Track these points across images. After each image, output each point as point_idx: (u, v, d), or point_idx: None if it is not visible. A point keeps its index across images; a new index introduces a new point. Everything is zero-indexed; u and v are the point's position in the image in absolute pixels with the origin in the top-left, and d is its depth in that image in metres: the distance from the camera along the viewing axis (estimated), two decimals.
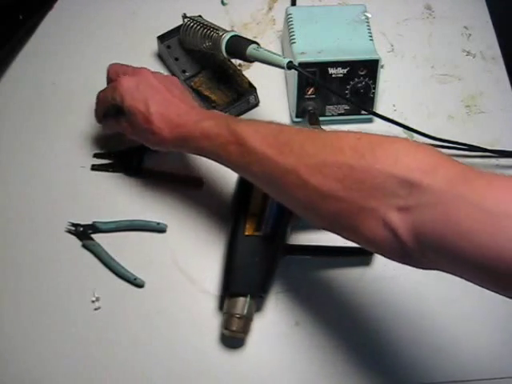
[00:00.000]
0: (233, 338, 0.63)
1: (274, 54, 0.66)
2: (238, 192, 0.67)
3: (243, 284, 0.63)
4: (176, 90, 0.66)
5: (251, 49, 0.67)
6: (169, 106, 0.64)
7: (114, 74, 0.69)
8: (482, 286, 0.44)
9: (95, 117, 0.72)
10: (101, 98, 0.70)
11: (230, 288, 0.63)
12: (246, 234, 0.64)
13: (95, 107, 0.71)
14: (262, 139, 0.56)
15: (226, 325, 0.62)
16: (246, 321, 0.62)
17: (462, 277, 0.45)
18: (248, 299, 0.62)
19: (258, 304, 0.65)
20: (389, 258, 0.50)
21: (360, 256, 0.69)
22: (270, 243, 0.64)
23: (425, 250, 0.45)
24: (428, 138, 0.72)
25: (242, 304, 0.62)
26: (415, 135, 0.73)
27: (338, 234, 0.53)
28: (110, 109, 0.69)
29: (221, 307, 0.65)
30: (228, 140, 0.58)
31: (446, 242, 0.43)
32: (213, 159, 0.61)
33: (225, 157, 0.59)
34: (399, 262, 0.49)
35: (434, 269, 0.48)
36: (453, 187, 0.43)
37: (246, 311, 0.62)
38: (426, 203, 0.44)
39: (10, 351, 0.64)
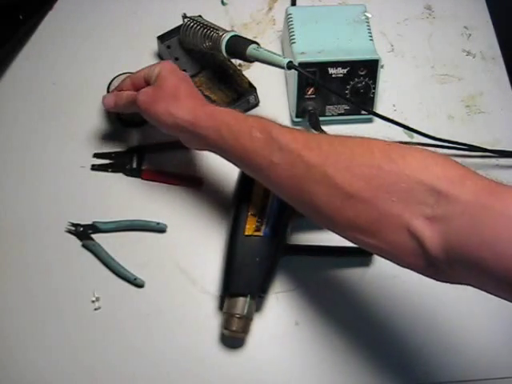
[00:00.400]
0: (233, 337, 0.63)
1: (274, 53, 0.66)
2: (238, 192, 0.67)
3: (243, 284, 0.63)
4: None
5: (251, 49, 0.67)
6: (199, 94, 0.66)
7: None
8: (510, 301, 0.43)
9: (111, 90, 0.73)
10: (134, 75, 0.69)
11: (230, 288, 0.63)
12: (246, 234, 0.64)
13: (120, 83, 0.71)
14: (290, 133, 0.55)
15: (225, 325, 0.62)
16: (246, 321, 0.62)
17: (488, 291, 0.44)
18: (248, 299, 0.62)
19: (257, 304, 0.65)
20: (409, 267, 0.49)
21: (360, 256, 0.69)
22: (270, 243, 0.64)
23: (452, 261, 0.44)
24: (428, 138, 0.72)
25: (242, 304, 0.62)
26: (415, 135, 0.73)
27: (353, 237, 0.52)
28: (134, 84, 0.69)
29: (221, 307, 0.65)
30: (254, 126, 0.57)
31: (473, 251, 0.42)
32: (225, 147, 0.59)
33: (246, 142, 0.57)
34: (421, 272, 0.49)
35: (458, 282, 0.47)
36: (479, 198, 0.44)
37: (245, 311, 0.62)
38: (454, 213, 0.44)
39: (9, 351, 0.64)
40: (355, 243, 0.53)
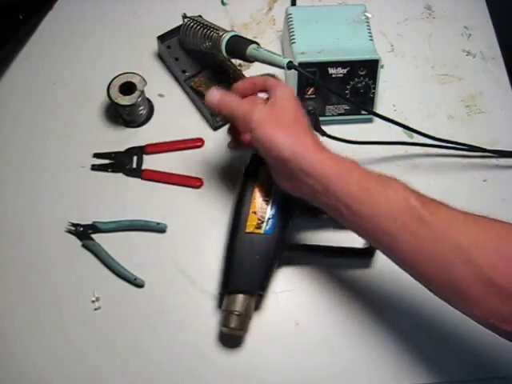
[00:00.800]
0: (231, 335, 0.63)
1: (274, 53, 0.65)
2: (240, 189, 0.66)
3: (242, 281, 0.63)
4: None
5: (251, 49, 0.67)
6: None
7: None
8: None
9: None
10: (247, 81, 0.64)
11: (229, 285, 0.63)
12: (247, 231, 0.64)
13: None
14: (431, 205, 0.51)
15: (224, 322, 0.62)
16: (245, 318, 0.62)
17: None
18: (247, 297, 0.62)
19: (257, 302, 0.65)
20: None
21: (360, 257, 0.69)
22: (270, 241, 0.64)
23: None
24: (428, 138, 0.72)
25: (240, 301, 0.62)
26: (415, 135, 0.73)
27: (491, 324, 0.49)
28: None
29: (220, 305, 0.65)
30: (391, 187, 0.52)
31: None
32: (348, 201, 0.53)
33: (382, 203, 0.52)
34: None
35: None
36: None
37: (244, 309, 0.62)
38: None
39: (9, 351, 0.64)
40: (492, 329, 0.50)
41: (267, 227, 0.64)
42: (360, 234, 0.55)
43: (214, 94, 0.61)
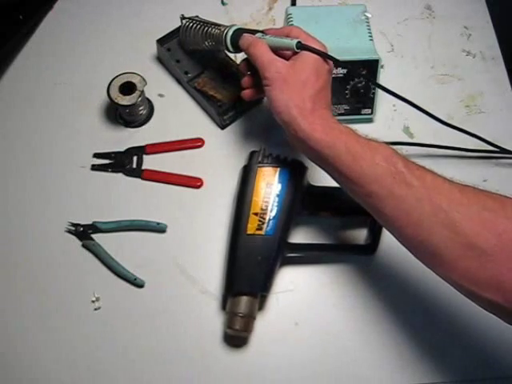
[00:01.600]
0: (236, 336, 0.63)
1: (281, 37, 0.64)
2: (239, 191, 0.67)
3: (246, 283, 0.63)
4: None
5: (258, 37, 0.65)
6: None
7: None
8: None
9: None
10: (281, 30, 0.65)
11: (233, 287, 0.63)
12: (248, 233, 0.64)
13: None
14: (418, 170, 0.53)
15: (229, 324, 0.62)
16: (249, 319, 0.62)
17: None
18: (250, 298, 0.62)
19: (260, 303, 0.65)
20: None
21: (360, 254, 0.69)
22: (271, 242, 0.64)
23: None
24: (439, 122, 0.71)
25: (244, 303, 0.62)
26: (415, 136, 0.73)
27: (467, 290, 0.50)
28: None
29: (224, 306, 0.65)
30: (378, 152, 0.54)
31: None
32: (339, 164, 0.55)
33: (366, 166, 0.54)
34: None
35: None
36: None
37: (248, 310, 0.62)
38: None
39: (10, 351, 0.64)
40: (468, 295, 0.51)
41: (268, 228, 0.64)
42: (352, 196, 0.57)
43: (248, 38, 0.65)
